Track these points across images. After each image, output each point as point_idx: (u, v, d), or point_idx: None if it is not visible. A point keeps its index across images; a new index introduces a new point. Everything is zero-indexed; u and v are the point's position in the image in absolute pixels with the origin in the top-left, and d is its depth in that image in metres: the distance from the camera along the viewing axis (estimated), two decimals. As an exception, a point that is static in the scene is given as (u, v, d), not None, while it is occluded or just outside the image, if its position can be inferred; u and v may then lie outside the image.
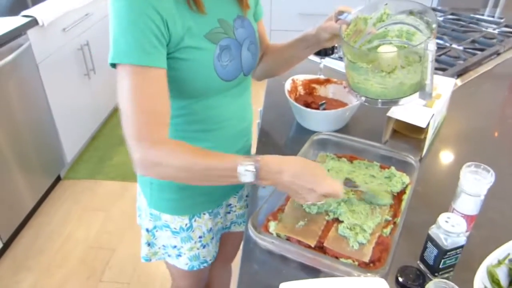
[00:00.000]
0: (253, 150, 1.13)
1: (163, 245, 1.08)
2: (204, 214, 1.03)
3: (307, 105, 1.21)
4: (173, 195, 0.98)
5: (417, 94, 0.90)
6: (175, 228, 1.03)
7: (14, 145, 2.02)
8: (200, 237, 1.05)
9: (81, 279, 1.91)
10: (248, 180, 0.76)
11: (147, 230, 1.07)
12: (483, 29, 1.90)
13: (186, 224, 1.02)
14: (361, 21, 0.94)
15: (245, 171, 0.75)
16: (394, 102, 0.92)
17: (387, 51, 0.89)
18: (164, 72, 0.77)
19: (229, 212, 1.15)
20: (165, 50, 0.77)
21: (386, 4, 0.92)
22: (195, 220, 1.03)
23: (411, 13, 0.90)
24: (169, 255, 1.09)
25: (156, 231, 1.06)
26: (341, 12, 0.93)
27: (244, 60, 0.90)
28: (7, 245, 2.05)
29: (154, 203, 1.01)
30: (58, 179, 2.49)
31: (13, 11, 2.10)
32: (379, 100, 0.92)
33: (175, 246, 1.06)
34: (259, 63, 1.06)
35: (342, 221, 0.84)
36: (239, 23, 0.88)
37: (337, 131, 1.13)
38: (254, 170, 0.75)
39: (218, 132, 0.94)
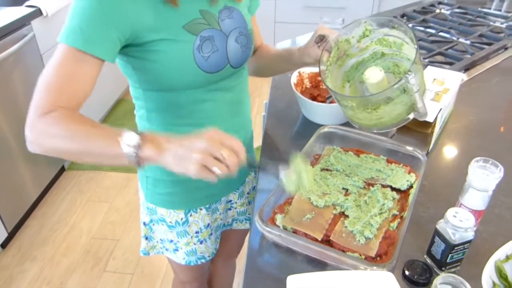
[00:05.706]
0: (259, 143, 1.13)
1: (161, 239, 1.08)
2: (200, 209, 1.02)
3: (313, 98, 1.20)
4: (168, 189, 0.97)
5: (411, 114, 0.87)
6: (170, 222, 1.02)
7: (18, 136, 2.02)
8: (196, 232, 1.04)
9: (85, 269, 1.93)
10: (131, 143, 0.67)
11: (144, 223, 1.07)
12: (491, 23, 1.88)
13: (181, 219, 1.01)
14: (343, 43, 0.92)
15: (129, 134, 0.68)
16: (388, 127, 0.90)
17: (373, 75, 0.85)
18: (100, 63, 0.73)
19: (230, 209, 1.13)
20: (119, 43, 0.74)
21: (365, 21, 0.90)
22: (190, 215, 1.02)
23: (393, 27, 0.88)
24: (166, 249, 1.09)
25: (153, 225, 1.06)
26: (321, 37, 0.90)
27: (231, 51, 0.86)
28: (12, 234, 2.06)
29: (150, 197, 1.01)
30: (62, 169, 2.50)
31: (17, 1, 2.09)
32: (374, 129, 0.91)
33: (171, 241, 1.05)
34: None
35: (348, 216, 0.84)
36: (226, 13, 0.86)
37: (343, 124, 1.13)
38: (138, 135, 0.68)
39: (208, 127, 0.92)
